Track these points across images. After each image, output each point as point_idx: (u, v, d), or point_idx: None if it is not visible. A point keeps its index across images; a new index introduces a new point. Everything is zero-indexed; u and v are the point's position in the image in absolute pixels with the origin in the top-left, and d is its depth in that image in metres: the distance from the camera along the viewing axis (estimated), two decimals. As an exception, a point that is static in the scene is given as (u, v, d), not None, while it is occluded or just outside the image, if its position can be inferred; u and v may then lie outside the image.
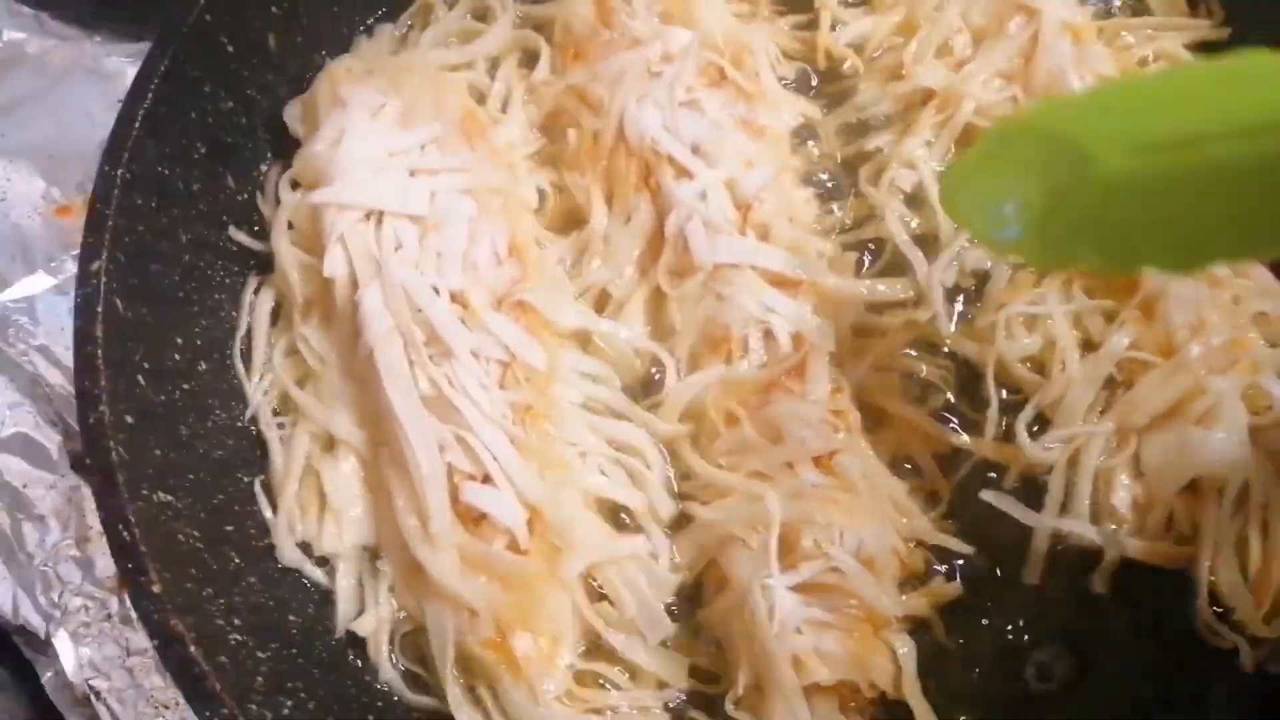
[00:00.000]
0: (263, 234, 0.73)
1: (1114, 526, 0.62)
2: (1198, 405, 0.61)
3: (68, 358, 0.77)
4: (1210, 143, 0.50)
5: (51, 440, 0.77)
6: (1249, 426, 0.61)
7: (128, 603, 0.72)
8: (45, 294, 0.81)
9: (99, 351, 0.59)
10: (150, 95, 0.65)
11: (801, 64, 0.81)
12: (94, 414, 0.58)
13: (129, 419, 0.59)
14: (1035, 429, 0.65)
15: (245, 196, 0.74)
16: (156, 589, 0.54)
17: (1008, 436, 0.66)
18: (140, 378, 0.62)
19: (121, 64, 0.92)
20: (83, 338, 0.59)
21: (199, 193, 0.70)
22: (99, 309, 0.60)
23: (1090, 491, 0.63)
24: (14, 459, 0.76)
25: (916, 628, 0.63)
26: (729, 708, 0.60)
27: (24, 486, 0.75)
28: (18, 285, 0.81)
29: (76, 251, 0.82)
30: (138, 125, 0.64)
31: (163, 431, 0.62)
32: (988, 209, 0.59)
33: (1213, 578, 0.61)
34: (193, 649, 0.53)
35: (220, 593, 0.59)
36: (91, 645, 0.72)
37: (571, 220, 0.75)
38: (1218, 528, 0.59)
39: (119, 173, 0.63)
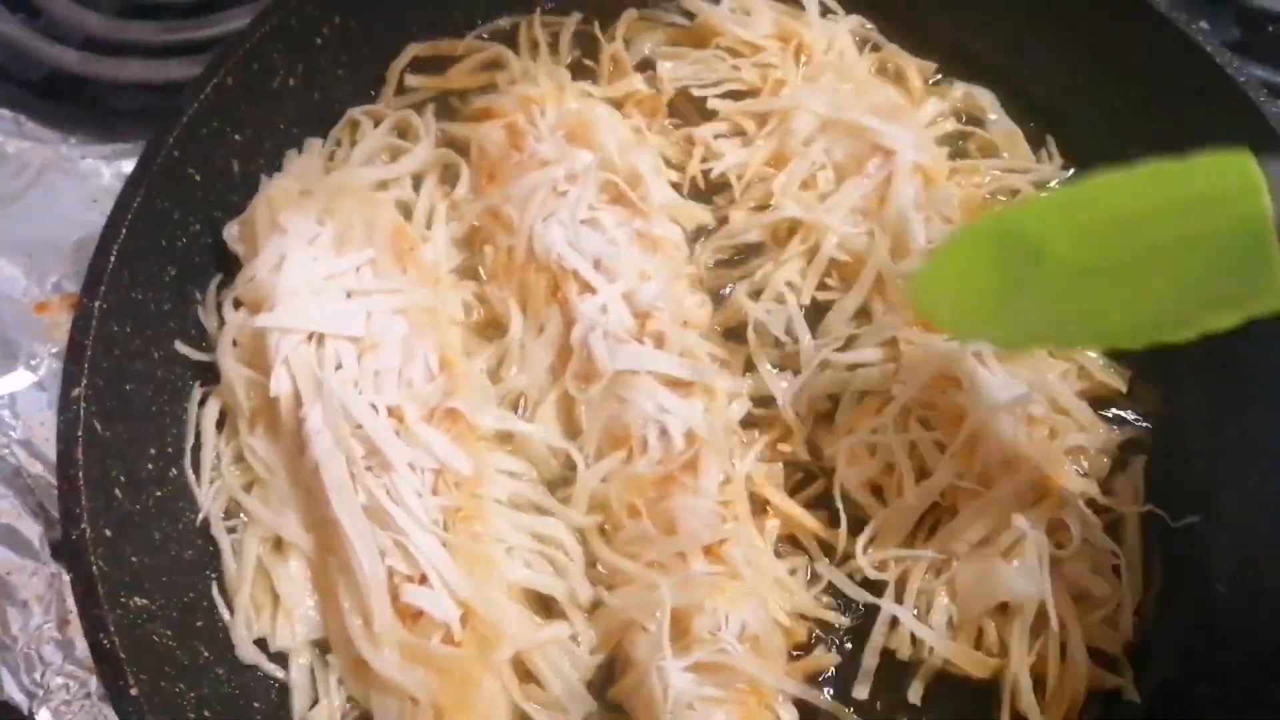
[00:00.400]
0: (202, 344, 0.79)
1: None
2: (1004, 538, 0.70)
3: (48, 450, 0.84)
4: (1141, 224, 0.58)
5: (33, 530, 0.82)
6: (1050, 558, 0.70)
7: (106, 682, 0.79)
8: (26, 389, 0.86)
9: (80, 473, 0.65)
10: (125, 231, 0.72)
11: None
12: (76, 531, 0.64)
13: (108, 532, 0.66)
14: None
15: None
16: (134, 692, 0.61)
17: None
18: (117, 490, 0.69)
19: (96, 164, 0.97)
20: (65, 461, 0.66)
21: (170, 312, 0.78)
22: (79, 433, 0.66)
23: (913, 607, 0.71)
24: None
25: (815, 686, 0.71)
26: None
27: (8, 574, 0.81)
28: (2, 382, 0.87)
29: (55, 348, 0.90)
30: (113, 259, 0.71)
31: (138, 539, 0.69)
32: (954, 303, 0.67)
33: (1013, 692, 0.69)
34: (170, 745, 0.61)
35: (191, 686, 0.66)
36: None
37: (494, 328, 0.82)
38: (1020, 648, 0.68)
39: (96, 305, 0.70)
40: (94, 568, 0.64)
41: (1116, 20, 0.84)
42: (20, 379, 0.87)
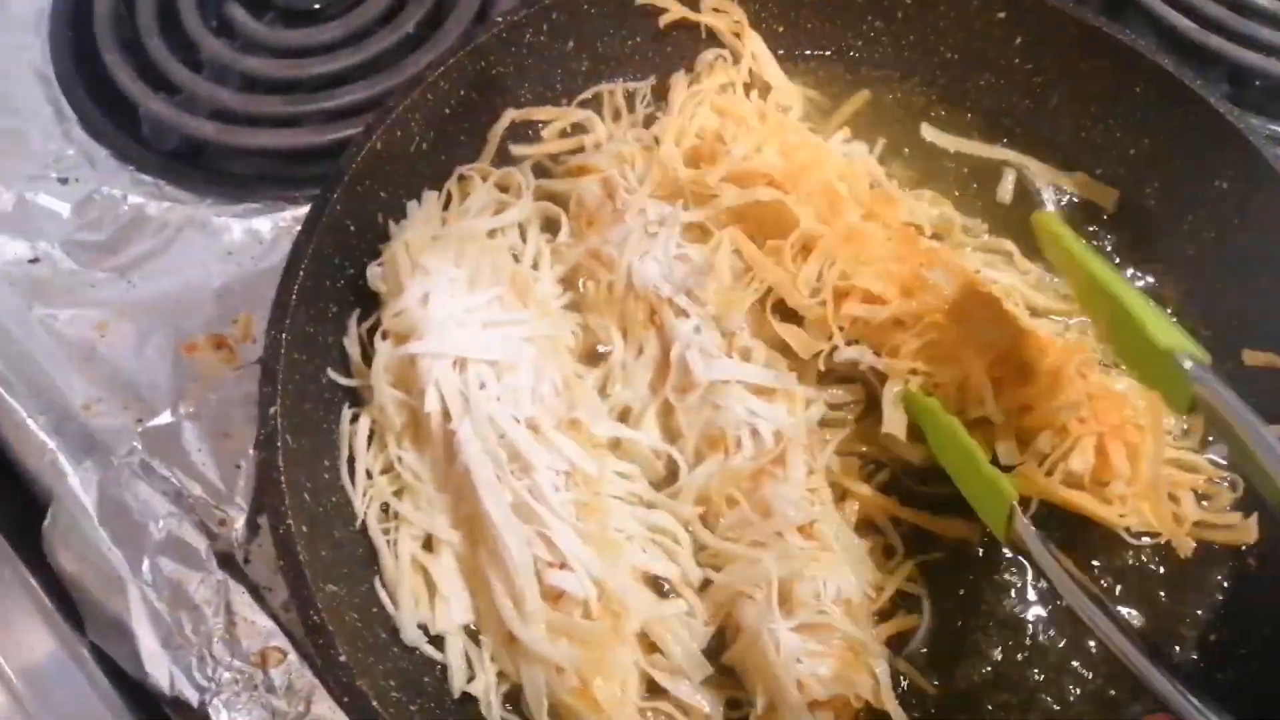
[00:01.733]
0: (344, 370, 0.88)
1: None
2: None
3: (207, 472, 0.95)
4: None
5: (200, 543, 0.91)
6: None
7: (270, 675, 0.89)
8: (184, 419, 0.96)
9: (281, 477, 0.76)
10: (301, 273, 0.84)
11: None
12: (283, 526, 0.75)
13: (304, 528, 0.76)
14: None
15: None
16: (344, 659, 0.71)
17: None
18: (306, 494, 0.79)
19: (228, 221, 1.07)
20: (266, 466, 0.77)
21: (333, 344, 0.89)
22: (278, 444, 0.77)
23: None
24: (170, 560, 0.90)
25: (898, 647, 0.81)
26: (751, 728, 0.77)
27: (180, 582, 0.90)
28: (161, 414, 0.96)
29: (207, 385, 1.00)
30: (294, 298, 0.83)
31: (325, 535, 0.79)
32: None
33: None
34: (375, 704, 0.70)
35: (378, 660, 0.76)
36: (242, 711, 0.87)
37: (594, 354, 0.94)
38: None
39: (283, 336, 0.81)
40: (300, 556, 0.74)
41: (1127, 78, 0.99)
42: (179, 411, 0.96)
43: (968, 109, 1.07)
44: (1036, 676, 0.82)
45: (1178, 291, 0.99)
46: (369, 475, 0.86)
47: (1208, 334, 0.95)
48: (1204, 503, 0.87)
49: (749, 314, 0.92)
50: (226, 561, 0.92)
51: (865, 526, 0.87)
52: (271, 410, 0.78)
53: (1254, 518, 0.84)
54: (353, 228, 0.90)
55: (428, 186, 0.98)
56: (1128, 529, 0.83)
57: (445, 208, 0.98)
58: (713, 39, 1.08)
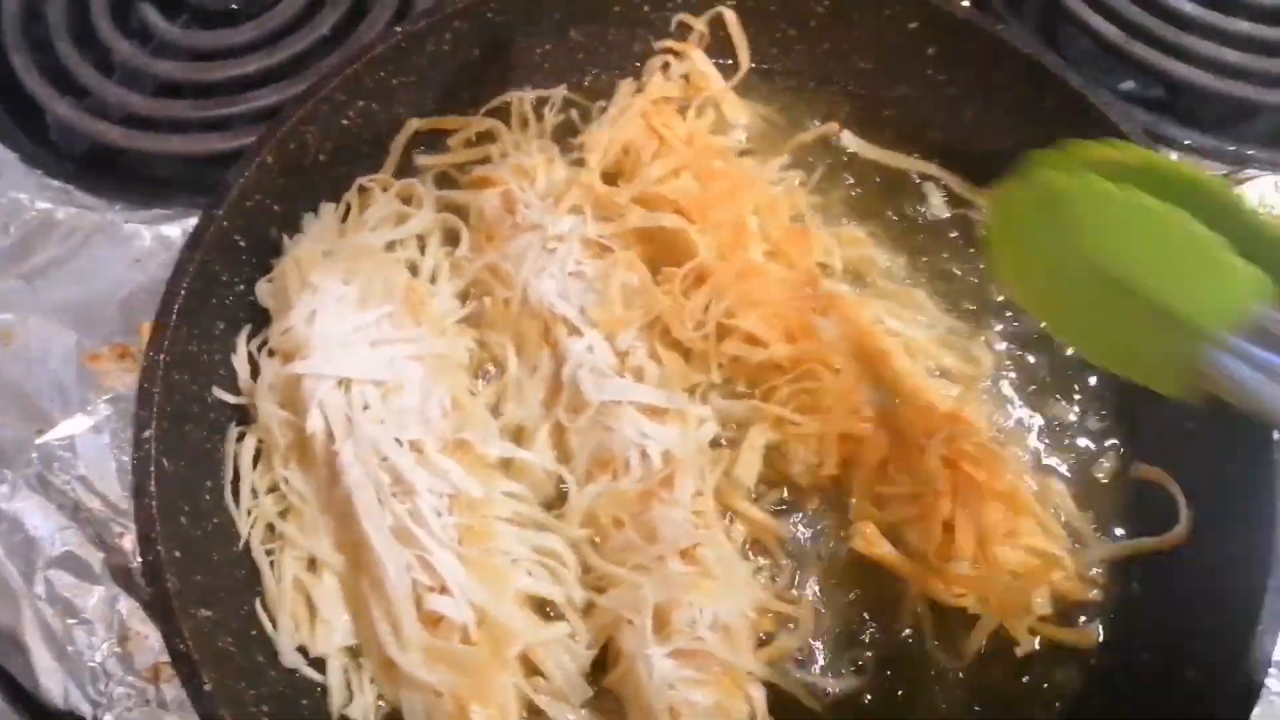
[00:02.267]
0: (232, 387, 0.88)
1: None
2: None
3: (104, 487, 0.95)
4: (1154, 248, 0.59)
5: (95, 557, 0.91)
6: None
7: (163, 690, 0.89)
8: (84, 432, 0.95)
9: (153, 504, 0.75)
10: (184, 291, 0.83)
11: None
12: (152, 553, 0.74)
13: (177, 553, 0.75)
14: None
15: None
16: (208, 688, 0.71)
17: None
18: (182, 519, 0.78)
19: (138, 228, 1.05)
20: (139, 492, 0.76)
21: (218, 361, 0.88)
22: (151, 469, 0.76)
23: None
24: (64, 574, 0.90)
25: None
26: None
27: (73, 596, 0.89)
28: (60, 425, 0.95)
29: (109, 395, 1.00)
30: (174, 317, 0.82)
31: (201, 560, 0.78)
32: (1019, 268, 0.69)
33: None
34: (240, 732, 0.71)
35: (250, 686, 0.76)
36: None
37: (491, 369, 0.94)
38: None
39: (161, 357, 0.81)
40: (168, 584, 0.73)
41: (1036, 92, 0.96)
42: (78, 424, 0.96)
43: (884, 121, 1.05)
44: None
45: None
46: (254, 494, 0.86)
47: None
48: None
49: (643, 334, 0.92)
50: (122, 575, 0.92)
51: (755, 546, 0.87)
52: (145, 434, 0.78)
53: (1096, 623, 0.83)
54: (243, 243, 0.89)
55: (327, 199, 0.97)
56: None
57: (344, 220, 0.97)
58: (627, 45, 1.06)
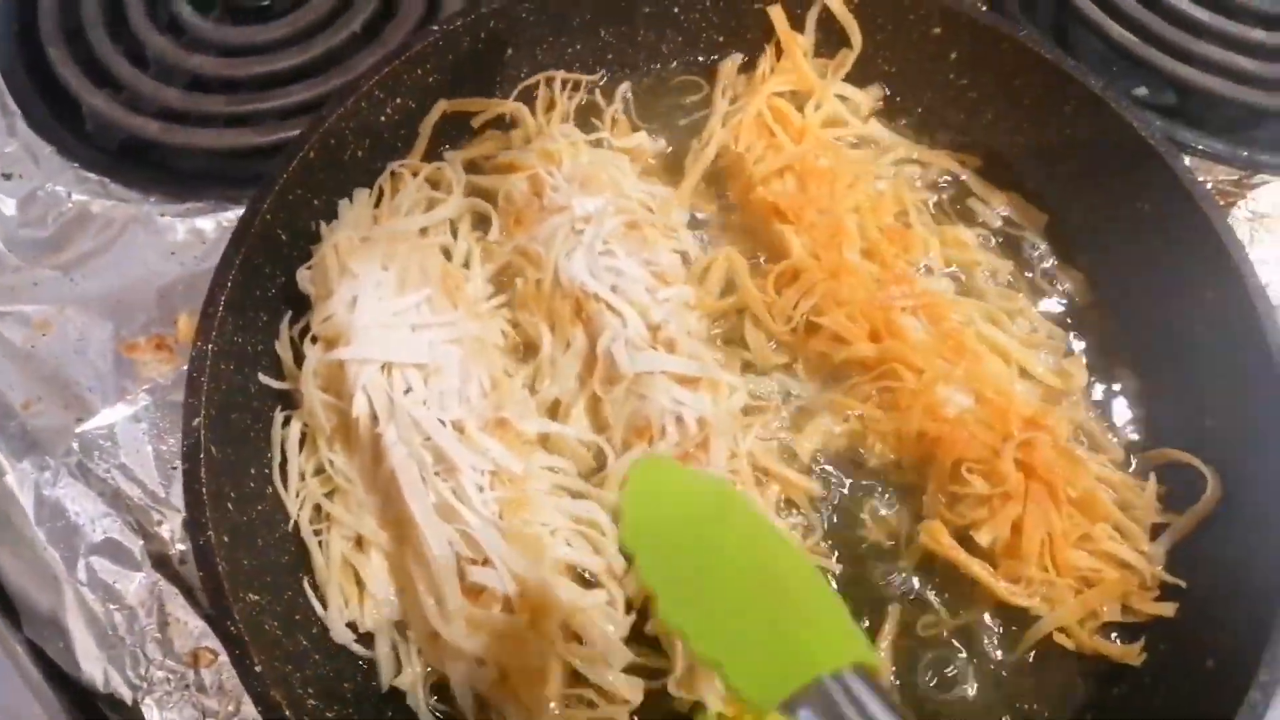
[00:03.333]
0: (276, 374, 0.89)
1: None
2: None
3: (144, 474, 0.96)
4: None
5: (135, 544, 0.92)
6: None
7: (201, 675, 0.91)
8: (123, 421, 0.96)
9: (203, 489, 0.78)
10: (229, 284, 0.85)
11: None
12: (202, 537, 0.76)
13: (225, 538, 0.77)
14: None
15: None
16: (259, 669, 0.73)
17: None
18: (229, 505, 0.80)
19: (172, 221, 1.06)
20: (190, 478, 0.78)
21: (261, 351, 0.90)
22: (201, 455, 0.78)
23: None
24: (105, 560, 0.91)
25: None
26: (671, 688, 0.78)
27: (114, 582, 0.90)
28: (100, 414, 0.96)
29: (146, 385, 1.01)
30: (220, 308, 0.84)
31: (247, 545, 0.80)
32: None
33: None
34: (287, 713, 0.72)
35: (296, 669, 0.77)
36: (173, 710, 0.89)
37: (525, 349, 0.96)
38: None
39: (209, 347, 0.82)
40: (219, 567, 0.75)
41: (1056, 97, 0.99)
42: (118, 412, 0.97)
43: (904, 124, 1.07)
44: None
45: (1095, 300, 1.00)
46: (301, 477, 0.87)
47: (1126, 352, 0.96)
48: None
49: (677, 308, 0.95)
50: (161, 562, 0.93)
51: (788, 505, 0.90)
52: (195, 422, 0.79)
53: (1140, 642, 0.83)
54: (284, 236, 0.91)
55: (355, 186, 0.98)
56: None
57: (377, 205, 0.99)
58: (655, 46, 1.08)
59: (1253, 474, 0.82)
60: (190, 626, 0.91)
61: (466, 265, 0.98)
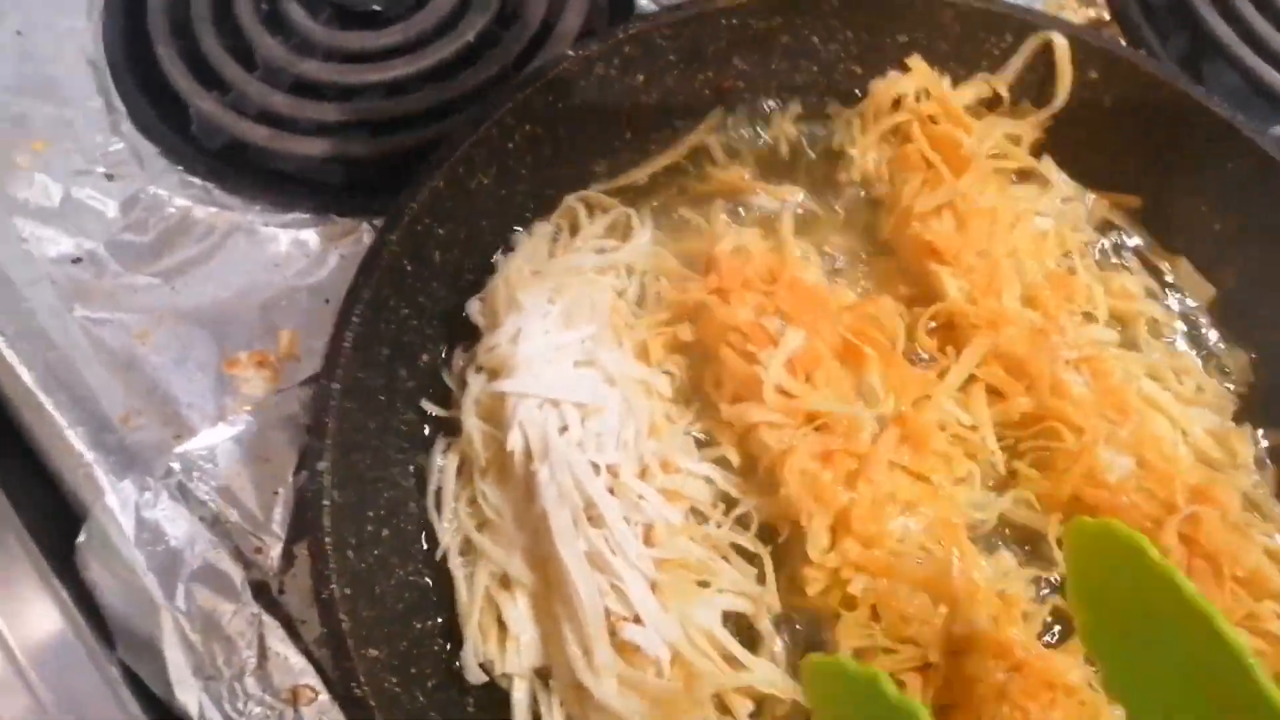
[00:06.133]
0: (440, 403, 0.88)
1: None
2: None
3: (245, 498, 0.93)
4: None
5: (236, 572, 0.89)
6: None
7: (301, 713, 0.89)
8: (224, 442, 0.92)
9: (327, 538, 0.75)
10: (356, 319, 0.82)
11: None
12: (326, 591, 0.74)
13: (347, 590, 0.75)
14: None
15: (412, 384, 0.88)
16: (382, 733, 0.71)
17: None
18: (349, 552, 0.76)
19: (275, 231, 1.03)
20: (314, 527, 0.75)
21: (382, 387, 0.85)
22: (324, 502, 0.76)
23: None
24: (204, 588, 0.87)
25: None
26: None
27: (213, 610, 0.88)
28: (202, 434, 0.93)
29: (248, 405, 0.98)
30: (347, 345, 0.81)
31: (366, 594, 0.76)
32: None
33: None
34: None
35: (418, 725, 0.76)
36: None
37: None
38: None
39: (334, 386, 0.79)
40: (343, 624, 0.73)
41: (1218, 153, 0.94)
42: (219, 433, 0.93)
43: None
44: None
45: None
46: (448, 507, 0.85)
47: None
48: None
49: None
50: (261, 591, 0.90)
51: None
52: (320, 466, 0.76)
53: None
54: (409, 267, 0.88)
55: (488, 222, 0.95)
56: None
57: (555, 239, 0.97)
58: (786, 77, 1.03)
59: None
60: (290, 662, 0.88)
61: (639, 305, 0.94)
